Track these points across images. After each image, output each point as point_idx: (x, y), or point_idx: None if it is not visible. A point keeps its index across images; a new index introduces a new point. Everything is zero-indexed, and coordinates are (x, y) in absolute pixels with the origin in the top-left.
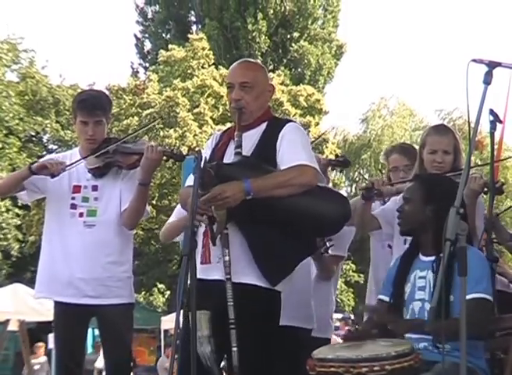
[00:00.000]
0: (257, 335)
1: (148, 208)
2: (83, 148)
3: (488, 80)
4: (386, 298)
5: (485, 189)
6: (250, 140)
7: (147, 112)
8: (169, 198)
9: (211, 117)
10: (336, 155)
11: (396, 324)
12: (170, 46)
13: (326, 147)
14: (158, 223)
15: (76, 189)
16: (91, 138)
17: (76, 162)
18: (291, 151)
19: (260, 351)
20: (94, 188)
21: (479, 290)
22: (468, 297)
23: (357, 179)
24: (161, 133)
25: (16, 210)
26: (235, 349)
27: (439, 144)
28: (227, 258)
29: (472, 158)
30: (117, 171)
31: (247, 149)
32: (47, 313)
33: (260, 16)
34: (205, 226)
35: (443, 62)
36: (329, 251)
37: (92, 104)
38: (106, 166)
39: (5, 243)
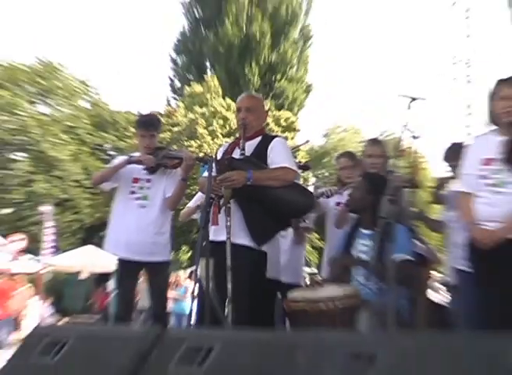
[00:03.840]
0: (246, 282)
1: None
2: (141, 153)
3: (409, 107)
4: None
5: (408, 184)
6: (251, 146)
7: (176, 129)
8: (190, 187)
9: (220, 133)
10: (300, 162)
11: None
12: (192, 83)
13: (298, 154)
14: (182, 205)
15: (135, 180)
16: (147, 147)
17: (133, 163)
18: (279, 157)
19: (249, 293)
20: (148, 181)
21: (403, 252)
22: (395, 256)
23: (319, 176)
24: (186, 144)
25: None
26: (229, 287)
27: (373, 151)
28: (229, 224)
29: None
30: (164, 170)
31: (248, 152)
32: (107, 266)
33: (254, 63)
34: (215, 203)
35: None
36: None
37: (148, 123)
38: (157, 166)
39: (81, 216)
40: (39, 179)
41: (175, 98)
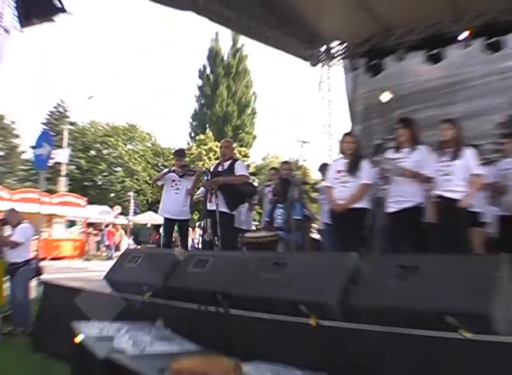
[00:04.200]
0: (226, 230)
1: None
2: (176, 168)
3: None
4: (268, 219)
5: (302, 182)
6: (226, 164)
7: (192, 156)
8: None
9: (213, 158)
10: (250, 171)
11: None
12: (199, 134)
13: (250, 167)
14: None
15: (173, 181)
16: (178, 165)
17: (172, 172)
18: (240, 169)
19: (227, 233)
20: (179, 181)
21: (298, 215)
22: (295, 217)
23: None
24: (196, 163)
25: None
26: (219, 231)
27: (285, 167)
28: (216, 202)
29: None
30: (186, 176)
31: (225, 167)
32: (159, 221)
33: (229, 125)
34: (210, 192)
35: None
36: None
37: (179, 153)
38: (183, 174)
39: (147, 197)
40: (127, 179)
41: (190, 140)
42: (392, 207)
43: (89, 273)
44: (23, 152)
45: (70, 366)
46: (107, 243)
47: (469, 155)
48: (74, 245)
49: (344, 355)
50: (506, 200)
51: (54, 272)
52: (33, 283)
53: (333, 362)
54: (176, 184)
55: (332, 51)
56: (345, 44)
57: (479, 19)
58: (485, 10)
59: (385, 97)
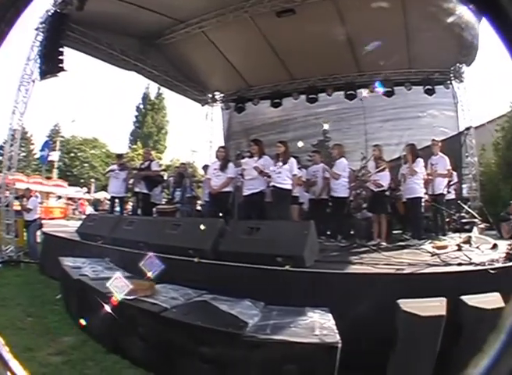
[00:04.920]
0: (146, 203)
1: None
2: (117, 165)
3: (193, 153)
4: (171, 197)
5: (193, 175)
6: (147, 164)
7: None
8: None
9: (141, 159)
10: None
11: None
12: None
13: None
14: None
15: (115, 172)
16: (119, 164)
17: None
18: (155, 167)
19: (145, 207)
20: (118, 173)
21: (189, 193)
22: (186, 195)
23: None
24: None
25: None
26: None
27: (183, 167)
28: (141, 186)
29: None
30: (123, 170)
31: (146, 166)
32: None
33: (152, 141)
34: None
35: None
36: None
37: (119, 156)
38: (121, 168)
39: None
40: (91, 171)
41: (128, 148)
42: (245, 191)
43: (68, 228)
44: (35, 153)
45: (59, 282)
46: (80, 210)
47: (292, 162)
48: (60, 211)
49: (217, 280)
50: (313, 190)
51: (49, 227)
52: (38, 233)
53: (210, 284)
54: (116, 174)
55: (215, 97)
56: (223, 94)
57: (305, 83)
58: (308, 78)
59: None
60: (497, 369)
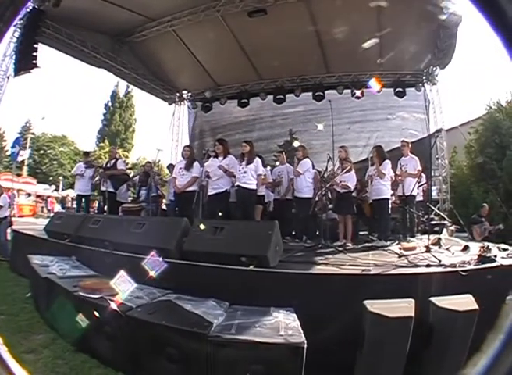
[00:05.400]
0: (112, 202)
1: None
2: (84, 162)
3: (158, 152)
4: (136, 196)
5: (158, 174)
6: (112, 162)
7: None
8: None
9: (108, 157)
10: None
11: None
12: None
13: None
14: None
15: (81, 170)
16: (85, 161)
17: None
18: (121, 165)
19: (111, 205)
20: (84, 170)
21: (154, 192)
22: (151, 194)
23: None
24: None
25: None
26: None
27: (147, 167)
28: (106, 185)
29: None
30: (90, 167)
31: (112, 164)
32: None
33: (119, 140)
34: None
35: None
36: None
37: (86, 153)
38: (88, 166)
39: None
40: (59, 169)
41: (96, 146)
42: (210, 191)
43: (37, 225)
44: (7, 150)
45: (29, 280)
46: (48, 208)
47: (257, 162)
48: (30, 208)
49: (182, 277)
50: (278, 190)
51: (19, 224)
52: (9, 230)
53: (175, 283)
54: (81, 172)
55: (183, 96)
56: (190, 93)
57: (273, 83)
58: (276, 78)
59: (321, 126)
60: (496, 368)
